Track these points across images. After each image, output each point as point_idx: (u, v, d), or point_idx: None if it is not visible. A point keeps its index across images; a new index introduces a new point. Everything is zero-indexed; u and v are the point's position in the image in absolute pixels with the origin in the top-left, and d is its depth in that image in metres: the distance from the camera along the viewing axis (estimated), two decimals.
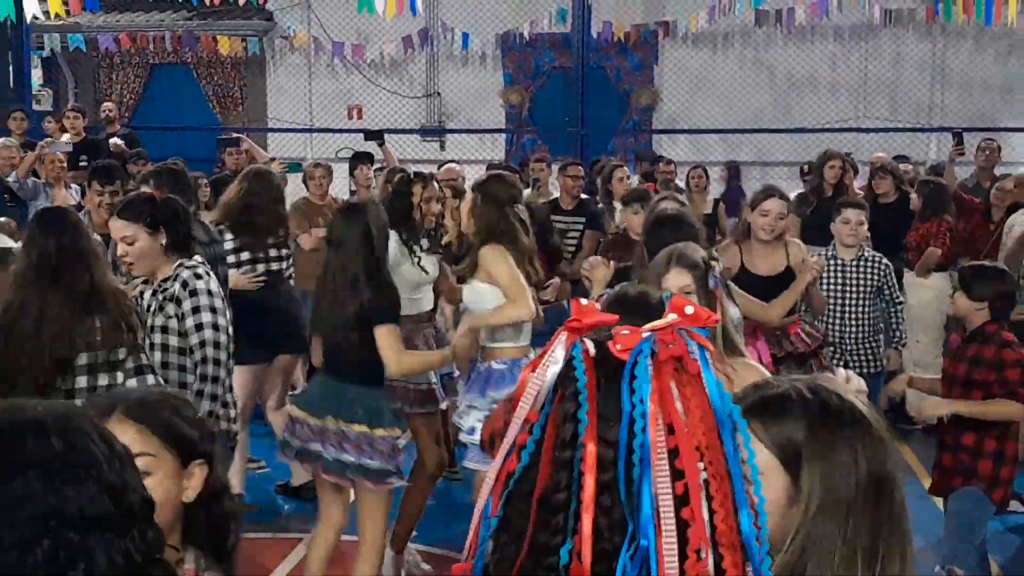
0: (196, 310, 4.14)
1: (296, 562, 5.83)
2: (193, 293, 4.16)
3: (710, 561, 1.16)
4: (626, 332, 1.22)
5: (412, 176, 5.93)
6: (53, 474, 1.19)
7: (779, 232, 5.67)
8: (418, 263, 5.61)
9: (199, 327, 4.14)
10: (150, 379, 3.87)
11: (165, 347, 4.21)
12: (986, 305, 4.68)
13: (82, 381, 3.83)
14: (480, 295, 4.93)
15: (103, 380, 3.85)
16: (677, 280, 3.57)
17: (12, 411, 1.28)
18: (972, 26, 13.87)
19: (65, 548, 1.17)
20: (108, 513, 1.21)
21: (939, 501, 5.14)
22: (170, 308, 4.18)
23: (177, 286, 4.18)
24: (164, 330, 4.20)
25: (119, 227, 4.22)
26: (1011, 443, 4.69)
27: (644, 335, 1.21)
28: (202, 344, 4.15)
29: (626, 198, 7.44)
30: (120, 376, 3.86)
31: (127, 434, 1.83)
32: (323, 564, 4.89)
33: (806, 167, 10.92)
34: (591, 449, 1.18)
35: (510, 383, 4.62)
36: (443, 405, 5.62)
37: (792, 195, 9.12)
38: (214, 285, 4.25)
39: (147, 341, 4.08)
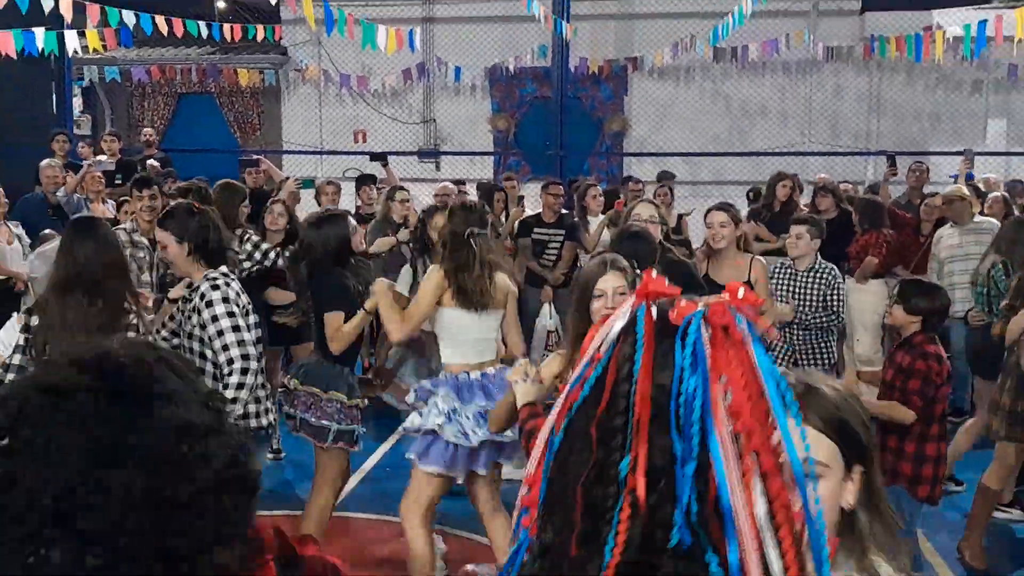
0: (214, 319, 4.09)
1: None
2: (209, 304, 4.10)
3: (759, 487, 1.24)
4: (683, 304, 1.31)
5: (424, 211, 6.13)
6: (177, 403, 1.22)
7: (728, 239, 5.65)
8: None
9: (220, 333, 4.09)
10: None
11: (191, 350, 4.17)
12: (920, 318, 4.65)
13: None
14: None
15: None
16: (613, 281, 3.52)
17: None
18: (904, 62, 13.92)
19: (199, 454, 1.19)
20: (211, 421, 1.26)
21: None
22: (195, 318, 4.15)
23: (196, 298, 4.15)
24: (190, 336, 4.18)
25: (159, 235, 4.29)
26: (931, 445, 4.59)
27: (699, 306, 1.29)
28: (225, 348, 4.09)
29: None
30: None
31: None
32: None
33: (751, 194, 10.89)
34: (643, 383, 1.26)
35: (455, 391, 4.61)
36: None
37: (744, 212, 9.20)
38: (231, 292, 4.17)
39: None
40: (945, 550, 5.59)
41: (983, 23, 9.80)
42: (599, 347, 1.34)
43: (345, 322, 4.75)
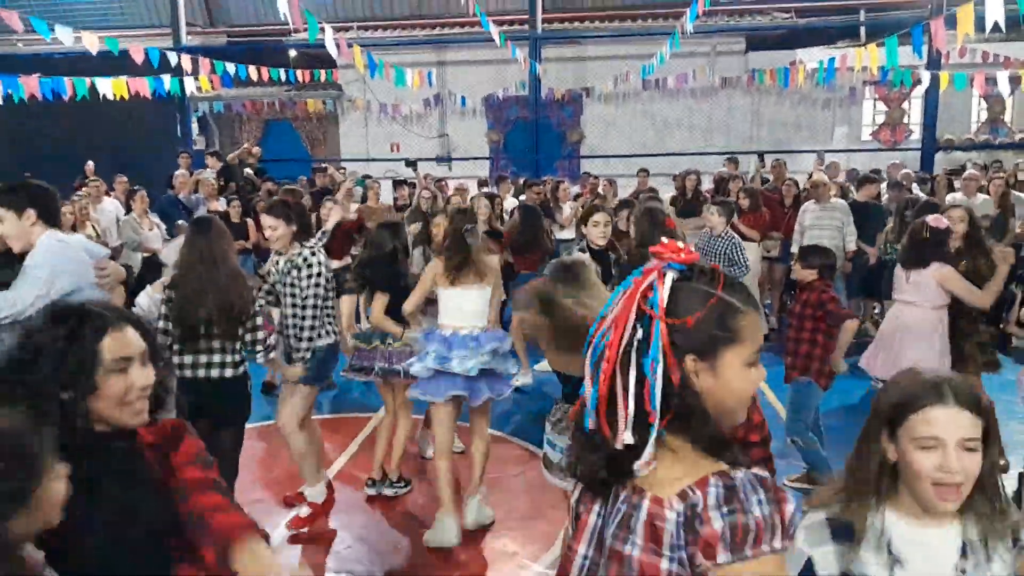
0: (310, 276, 4.15)
1: (367, 435, 5.64)
2: (308, 265, 4.16)
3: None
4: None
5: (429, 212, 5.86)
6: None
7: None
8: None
9: (309, 285, 4.15)
10: (259, 320, 3.82)
11: (290, 295, 4.18)
12: (815, 270, 4.57)
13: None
14: None
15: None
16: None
17: None
18: (776, 87, 13.82)
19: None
20: None
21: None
22: (294, 272, 4.18)
23: (300, 260, 4.19)
24: (291, 285, 4.18)
25: (266, 220, 4.22)
26: (829, 350, 4.51)
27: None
28: (308, 295, 4.14)
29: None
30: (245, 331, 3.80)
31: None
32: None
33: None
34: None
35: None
36: None
37: (668, 196, 9.14)
38: (322, 257, 4.23)
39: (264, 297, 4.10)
40: None
41: (832, 59, 9.67)
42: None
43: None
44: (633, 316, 1.19)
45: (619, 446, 1.18)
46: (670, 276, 1.21)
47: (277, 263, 4.29)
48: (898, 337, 4.82)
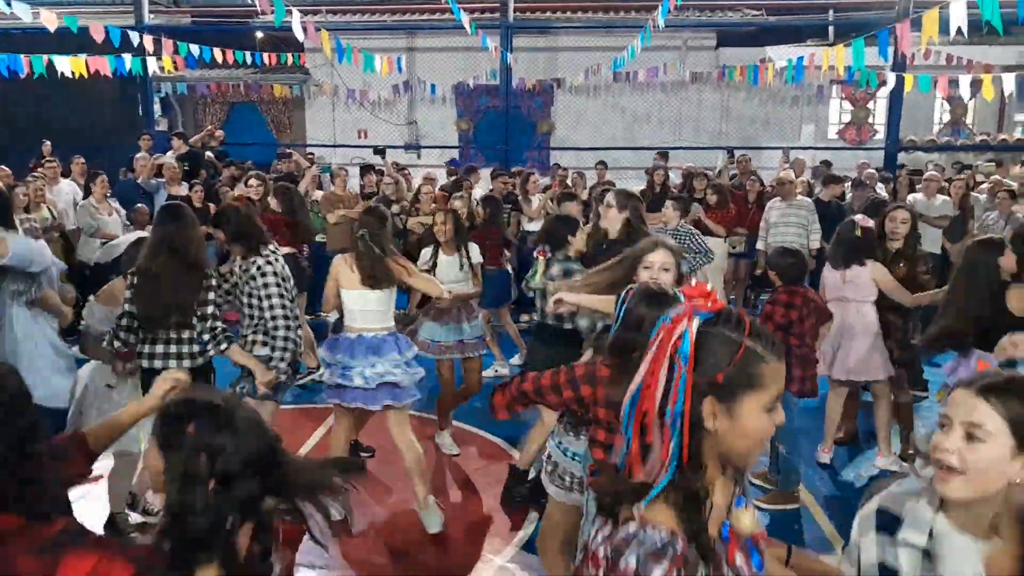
0: (266, 284, 3.97)
1: (328, 427, 5.62)
2: (263, 274, 3.97)
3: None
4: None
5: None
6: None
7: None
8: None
9: (270, 293, 3.97)
10: (209, 309, 3.76)
11: (256, 306, 4.01)
12: (775, 273, 4.53)
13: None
14: None
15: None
16: (661, 257, 3.00)
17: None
18: (745, 83, 13.86)
19: None
20: None
21: None
22: (252, 283, 4.00)
23: (255, 269, 4.00)
24: (250, 295, 4.02)
25: (217, 233, 4.13)
26: (795, 356, 4.35)
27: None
28: (272, 294, 3.97)
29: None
30: (196, 321, 3.74)
31: None
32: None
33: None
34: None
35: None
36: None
37: (637, 190, 9.16)
38: (277, 267, 4.03)
39: (222, 297, 3.93)
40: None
41: (801, 58, 9.78)
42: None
43: None
44: (666, 367, 1.25)
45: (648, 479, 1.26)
46: (696, 323, 1.26)
47: (240, 265, 4.16)
48: (843, 335, 4.84)
